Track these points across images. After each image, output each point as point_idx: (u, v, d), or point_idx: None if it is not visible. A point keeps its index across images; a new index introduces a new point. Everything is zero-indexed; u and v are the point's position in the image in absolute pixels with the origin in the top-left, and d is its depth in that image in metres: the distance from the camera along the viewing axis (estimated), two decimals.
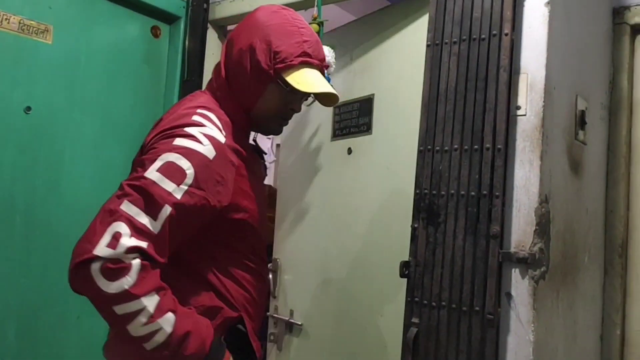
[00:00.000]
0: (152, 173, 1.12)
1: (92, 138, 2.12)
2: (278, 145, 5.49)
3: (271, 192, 2.97)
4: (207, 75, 2.25)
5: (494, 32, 1.45)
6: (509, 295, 1.43)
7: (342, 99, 2.15)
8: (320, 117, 2.27)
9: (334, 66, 1.96)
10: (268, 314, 2.51)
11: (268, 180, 3.17)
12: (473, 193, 1.45)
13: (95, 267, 1.04)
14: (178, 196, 1.13)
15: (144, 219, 1.09)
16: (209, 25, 2.47)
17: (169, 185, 1.12)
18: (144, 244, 1.08)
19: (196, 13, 2.40)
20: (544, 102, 1.43)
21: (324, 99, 1.41)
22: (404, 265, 1.54)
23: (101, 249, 1.05)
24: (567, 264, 1.61)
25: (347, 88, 2.19)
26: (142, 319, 1.07)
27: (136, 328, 1.08)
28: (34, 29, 1.95)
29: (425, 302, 1.49)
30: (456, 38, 1.51)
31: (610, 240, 1.91)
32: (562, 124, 1.57)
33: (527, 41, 1.47)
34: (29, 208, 1.93)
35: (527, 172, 1.44)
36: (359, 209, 2.07)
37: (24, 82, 1.92)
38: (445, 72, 1.52)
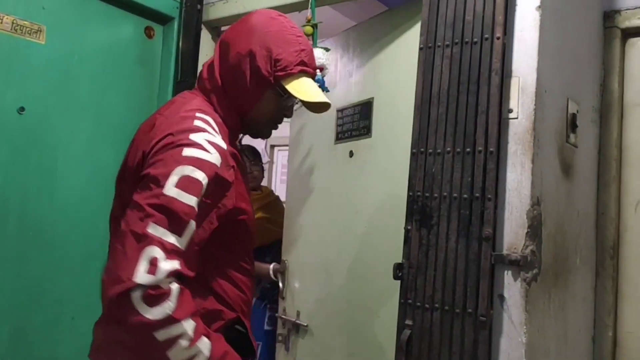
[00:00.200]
0: (170, 189, 1.12)
1: (85, 139, 2.12)
2: (272, 147, 5.50)
3: (267, 193, 2.98)
4: None
5: (486, 35, 1.46)
6: (501, 297, 1.44)
7: (343, 103, 2.19)
8: (325, 121, 2.29)
9: (328, 68, 1.96)
10: (277, 314, 2.53)
11: (263, 182, 3.18)
12: (465, 195, 1.45)
13: (137, 295, 1.05)
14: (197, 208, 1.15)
15: (171, 238, 1.10)
16: (202, 26, 2.47)
17: (189, 199, 1.13)
18: (177, 264, 1.10)
19: (190, 14, 2.40)
20: (535, 105, 1.45)
21: (315, 106, 1.43)
22: (398, 267, 1.55)
23: (141, 276, 1.05)
24: (559, 265, 1.62)
25: (348, 92, 2.21)
26: (184, 343, 1.09)
27: (177, 353, 1.09)
28: (27, 29, 1.95)
29: (419, 304, 1.50)
30: (449, 41, 1.52)
31: (601, 242, 1.92)
32: (553, 127, 1.58)
33: (519, 45, 1.48)
34: (23, 209, 1.93)
35: (519, 174, 1.45)
36: (359, 211, 2.09)
37: (17, 83, 1.92)
38: (438, 75, 1.53)
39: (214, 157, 1.19)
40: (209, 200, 1.19)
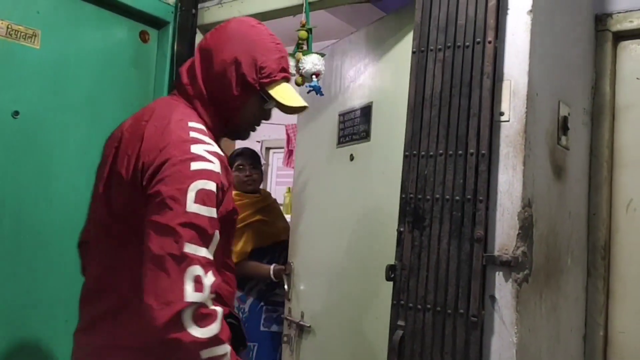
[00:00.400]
0: (191, 206, 1.16)
1: (80, 142, 2.12)
2: (268, 149, 5.53)
3: (266, 196, 3.01)
4: None
5: (478, 39, 1.48)
6: (492, 298, 1.46)
7: (345, 107, 2.22)
8: (328, 125, 2.33)
9: (323, 73, 1.98)
10: (283, 316, 2.54)
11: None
12: (457, 197, 1.47)
13: (188, 314, 1.11)
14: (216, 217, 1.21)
15: (203, 252, 1.16)
16: (197, 30, 2.48)
17: (210, 212, 1.19)
18: (212, 275, 1.16)
19: (184, 18, 2.40)
20: (526, 108, 1.46)
21: (292, 109, 1.48)
22: (390, 269, 1.57)
23: (191, 295, 1.11)
24: (550, 266, 1.64)
25: (349, 97, 2.23)
26: None
27: None
28: (22, 33, 1.95)
29: (411, 305, 1.51)
30: (441, 45, 1.54)
31: (593, 243, 1.94)
32: (544, 130, 1.60)
33: (510, 48, 1.50)
34: (18, 212, 1.93)
35: (511, 176, 1.47)
36: (360, 214, 2.12)
37: (12, 87, 1.92)
38: (431, 78, 1.55)
39: (216, 166, 1.24)
40: (222, 205, 1.27)
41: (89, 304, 1.36)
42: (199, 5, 2.47)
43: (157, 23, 2.39)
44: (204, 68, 1.39)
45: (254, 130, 1.50)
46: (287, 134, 5.09)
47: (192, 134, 1.26)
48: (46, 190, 2.01)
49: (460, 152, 1.48)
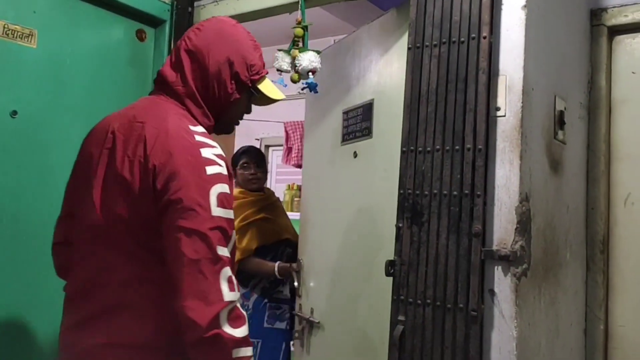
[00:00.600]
0: (215, 210, 1.23)
1: (77, 141, 2.09)
2: (267, 147, 5.54)
3: (269, 195, 3.03)
4: None
5: (473, 35, 1.48)
6: (491, 292, 1.46)
7: (349, 105, 2.23)
8: (334, 123, 2.35)
9: (319, 70, 1.98)
10: (294, 312, 2.57)
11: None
12: (455, 193, 1.48)
13: (224, 314, 1.18)
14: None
15: (226, 252, 1.23)
16: None
17: (229, 213, 1.26)
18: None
19: (181, 16, 2.41)
20: (522, 103, 1.47)
21: (270, 101, 1.56)
22: (390, 264, 1.57)
23: (228, 294, 1.19)
24: (549, 260, 1.64)
25: (353, 94, 2.25)
26: None
27: None
28: (19, 33, 1.96)
29: (411, 300, 1.52)
30: (436, 41, 1.54)
31: (591, 237, 1.95)
32: (541, 124, 1.60)
33: (505, 44, 1.50)
34: (16, 211, 1.94)
35: (508, 171, 1.47)
36: (363, 210, 2.13)
37: (10, 87, 1.93)
38: (427, 74, 1.55)
39: (224, 169, 1.29)
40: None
41: (79, 303, 1.35)
42: (195, 4, 2.48)
43: (153, 21, 2.40)
44: (194, 69, 1.42)
45: (238, 124, 1.58)
46: (286, 132, 5.09)
47: (198, 138, 1.30)
48: (44, 190, 2.01)
49: (457, 147, 1.48)
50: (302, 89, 2.02)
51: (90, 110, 2.16)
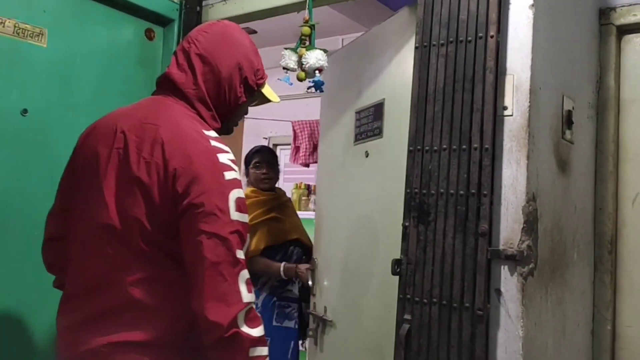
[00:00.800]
0: (234, 214, 1.27)
1: None
2: (275, 146, 5.55)
3: (281, 195, 3.04)
4: None
5: (480, 34, 1.48)
6: (498, 292, 1.46)
7: (361, 105, 2.25)
8: (347, 123, 2.36)
9: (325, 68, 1.99)
10: (308, 311, 2.58)
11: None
12: (462, 192, 1.48)
13: (242, 314, 1.22)
14: None
15: (242, 254, 1.27)
16: None
17: (244, 218, 1.30)
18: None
19: (189, 15, 2.42)
20: (529, 102, 1.47)
21: (260, 102, 1.63)
22: (396, 263, 1.57)
23: (246, 296, 1.24)
24: (556, 260, 1.64)
25: (365, 94, 2.26)
26: None
27: None
28: (29, 32, 1.97)
29: (417, 299, 1.52)
30: (443, 40, 1.54)
31: (599, 237, 1.94)
32: (548, 124, 1.60)
33: (513, 43, 1.50)
34: (26, 210, 1.95)
35: (514, 171, 1.47)
36: (374, 210, 2.14)
37: (20, 85, 1.94)
38: (434, 73, 1.55)
39: (238, 174, 1.33)
40: None
41: (82, 302, 1.34)
42: (204, 3, 2.49)
43: (162, 21, 2.41)
44: (206, 72, 1.42)
45: (237, 126, 1.61)
46: (294, 131, 5.10)
47: (213, 143, 1.32)
48: (53, 188, 2.03)
49: (464, 146, 1.48)
50: (309, 88, 2.03)
51: (99, 109, 2.15)
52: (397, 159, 1.98)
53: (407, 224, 1.56)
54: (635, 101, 1.96)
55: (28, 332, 1.97)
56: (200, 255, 1.22)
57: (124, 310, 1.28)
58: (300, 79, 2.00)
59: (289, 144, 5.18)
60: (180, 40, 2.39)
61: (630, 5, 1.91)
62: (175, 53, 1.47)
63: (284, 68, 2.00)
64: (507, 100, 1.49)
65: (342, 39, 4.76)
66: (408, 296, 1.53)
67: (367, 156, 2.20)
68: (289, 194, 4.51)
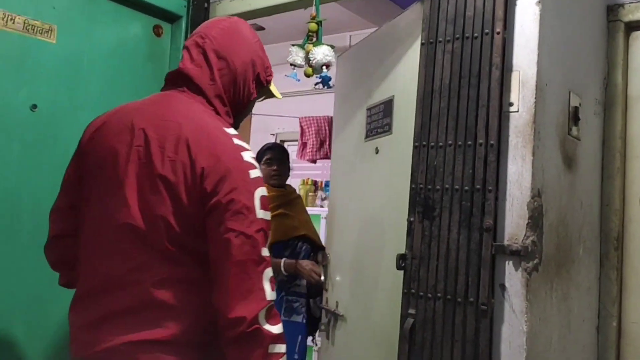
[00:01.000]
0: (259, 212, 1.28)
1: None
2: (282, 142, 5.56)
3: (291, 191, 3.06)
4: None
5: (487, 30, 1.48)
6: (502, 287, 1.47)
7: (372, 102, 2.26)
8: (359, 120, 2.38)
9: (332, 64, 2.00)
10: (321, 305, 2.61)
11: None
12: (467, 187, 1.48)
13: (264, 311, 1.23)
14: None
15: (267, 252, 1.28)
16: None
17: (267, 215, 1.31)
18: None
19: (197, 12, 2.43)
20: (535, 98, 1.47)
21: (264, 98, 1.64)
22: (401, 258, 1.58)
23: (270, 294, 1.26)
24: (561, 256, 1.64)
25: (376, 91, 2.27)
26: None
27: None
28: (39, 28, 1.99)
29: (421, 293, 1.53)
30: (450, 36, 1.54)
31: (605, 233, 1.94)
32: (555, 120, 1.60)
33: (519, 39, 1.50)
34: (35, 205, 1.97)
35: (520, 167, 1.47)
36: (383, 205, 2.16)
37: (30, 81, 1.96)
38: (440, 69, 1.56)
39: (260, 172, 1.35)
40: None
41: (99, 300, 1.31)
42: None
43: (170, 17, 2.42)
44: (222, 67, 1.41)
45: (242, 121, 1.62)
46: (301, 127, 5.11)
47: (236, 141, 1.33)
48: None
49: (469, 142, 1.49)
50: (316, 84, 2.04)
51: (107, 104, 2.17)
52: (405, 155, 1.98)
53: (412, 219, 1.57)
54: None
55: (39, 328, 1.99)
56: (227, 252, 1.23)
57: (144, 309, 1.26)
58: (307, 75, 2.01)
59: (296, 140, 5.19)
60: (188, 36, 2.40)
61: (639, 1, 1.91)
62: (186, 48, 1.44)
63: (291, 64, 2.01)
64: (513, 97, 1.49)
65: (350, 36, 4.76)
66: (412, 291, 1.54)
67: (377, 152, 2.21)
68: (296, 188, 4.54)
